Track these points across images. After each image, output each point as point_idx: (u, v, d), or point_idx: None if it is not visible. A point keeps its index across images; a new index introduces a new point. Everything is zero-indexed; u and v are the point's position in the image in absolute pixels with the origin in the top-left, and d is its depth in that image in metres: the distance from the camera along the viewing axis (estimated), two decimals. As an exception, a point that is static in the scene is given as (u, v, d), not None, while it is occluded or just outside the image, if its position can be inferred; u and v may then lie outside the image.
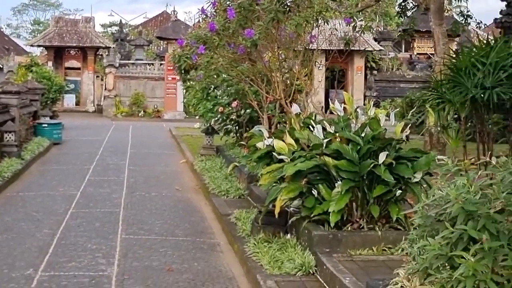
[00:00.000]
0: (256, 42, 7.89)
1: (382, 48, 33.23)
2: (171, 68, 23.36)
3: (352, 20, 8.26)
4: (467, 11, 16.11)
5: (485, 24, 17.97)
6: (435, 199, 4.27)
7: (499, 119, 9.89)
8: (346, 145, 7.23)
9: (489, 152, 4.86)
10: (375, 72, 33.81)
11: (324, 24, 8.45)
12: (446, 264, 4.22)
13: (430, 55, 31.82)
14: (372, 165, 7.00)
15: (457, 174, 4.42)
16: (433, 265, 4.23)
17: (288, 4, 8.31)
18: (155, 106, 35.54)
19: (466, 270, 3.96)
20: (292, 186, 7.31)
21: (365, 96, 32.03)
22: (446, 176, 4.50)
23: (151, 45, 48.10)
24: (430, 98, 9.42)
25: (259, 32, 8.01)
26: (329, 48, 10.45)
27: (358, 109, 7.73)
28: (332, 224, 7.09)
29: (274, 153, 7.75)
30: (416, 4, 15.26)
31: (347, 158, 7.12)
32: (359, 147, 7.21)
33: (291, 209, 7.89)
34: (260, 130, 8.72)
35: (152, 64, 38.82)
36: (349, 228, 7.25)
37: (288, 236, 7.83)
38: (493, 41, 9.44)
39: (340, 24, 8.87)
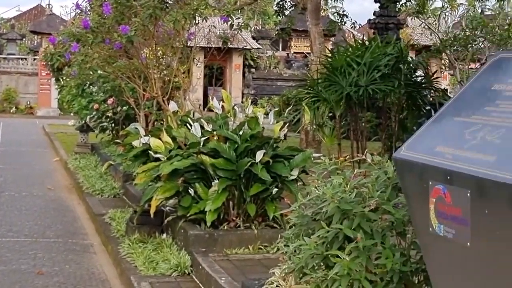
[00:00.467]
0: (132, 39, 7.69)
1: (260, 47, 33.53)
2: (45, 63, 22.65)
3: (229, 18, 8.21)
4: (343, 11, 16.46)
5: (359, 24, 18.41)
6: (311, 198, 4.24)
7: (372, 117, 10.14)
8: (223, 144, 7.16)
9: (366, 151, 4.89)
10: (253, 70, 34.07)
11: (203, 21, 8.37)
12: (322, 264, 4.21)
13: (307, 54, 32.36)
14: (250, 163, 6.96)
15: (334, 173, 4.42)
16: (309, 264, 4.21)
17: (166, 0, 8.17)
18: (28, 103, 34.40)
19: (341, 269, 3.95)
20: (169, 185, 7.17)
21: (243, 94, 32.21)
22: (322, 174, 4.48)
23: (24, 39, 46.52)
24: (307, 97, 9.53)
25: (135, 28, 7.83)
26: (207, 46, 10.36)
27: (236, 107, 7.67)
28: (208, 224, 7.01)
29: (150, 152, 7.58)
30: (294, 3, 15.43)
31: (225, 156, 7.05)
32: (236, 146, 7.15)
33: (167, 208, 7.75)
34: (136, 128, 8.53)
35: (25, 59, 37.55)
36: (226, 227, 7.19)
37: (164, 236, 7.69)
38: (368, 42, 9.66)
39: (219, 22, 8.80)
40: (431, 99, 10.26)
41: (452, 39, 19.35)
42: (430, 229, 3.32)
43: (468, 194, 3.00)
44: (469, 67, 20.92)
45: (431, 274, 3.53)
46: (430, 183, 3.27)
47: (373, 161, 4.46)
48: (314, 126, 10.35)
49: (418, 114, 10.09)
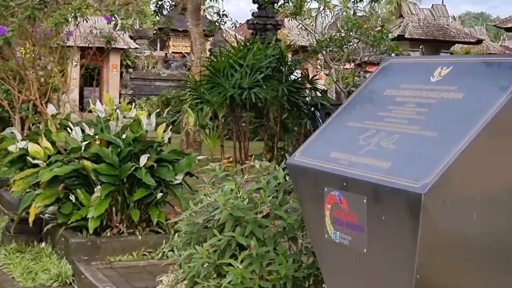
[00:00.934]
0: (10, 40, 7.33)
1: (138, 46, 33.06)
2: None
3: (113, 18, 7.97)
4: (223, 11, 16.45)
5: (240, 23, 18.41)
6: (203, 206, 4.14)
7: (251, 117, 10.16)
8: (106, 148, 6.93)
9: (253, 156, 4.83)
10: (131, 70, 33.55)
11: (83, 22, 8.08)
12: (214, 272, 4.13)
13: (185, 54, 32.20)
14: (133, 168, 6.78)
15: (225, 179, 4.34)
16: (201, 273, 4.11)
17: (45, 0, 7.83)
18: None
19: (235, 278, 3.88)
20: (48, 192, 6.87)
21: (120, 94, 31.65)
22: (212, 180, 4.39)
23: None
24: (189, 98, 9.43)
25: (12, 29, 7.46)
26: (85, 45, 10.06)
27: (118, 110, 7.45)
28: (91, 231, 6.77)
29: (28, 157, 7.24)
30: (174, 3, 15.26)
31: (107, 161, 6.83)
32: (119, 150, 6.94)
33: (47, 216, 7.42)
34: (12, 132, 8.14)
35: None
36: (109, 234, 6.98)
37: (43, 244, 7.37)
38: (249, 43, 9.66)
39: (100, 21, 8.54)
40: (311, 99, 10.39)
41: (328, 40, 19.73)
42: (326, 235, 3.30)
43: (365, 201, 2.99)
44: (344, 67, 21.43)
45: (326, 280, 3.51)
46: (326, 189, 3.25)
47: (261, 166, 4.41)
48: (196, 127, 10.26)
49: (299, 115, 10.19)
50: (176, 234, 4.77)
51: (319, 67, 20.81)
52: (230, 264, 3.93)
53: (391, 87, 3.42)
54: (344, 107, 3.59)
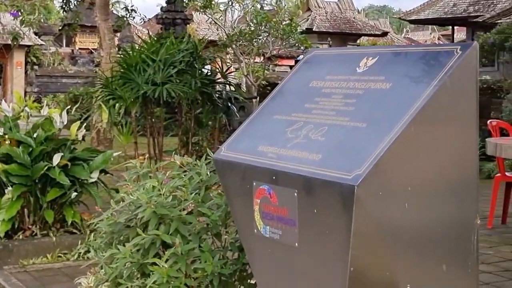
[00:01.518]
0: None
1: (43, 43, 32.17)
2: None
3: (20, 13, 7.66)
4: (131, 6, 16.17)
5: (149, 18, 18.15)
6: (125, 205, 4.01)
7: (161, 113, 10.00)
8: (16, 148, 6.66)
9: (173, 152, 4.73)
10: (36, 67, 32.61)
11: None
12: (138, 272, 4.00)
13: (93, 50, 31.57)
14: (46, 167, 6.55)
15: (146, 177, 4.21)
16: (124, 273, 3.97)
17: None
18: None
19: (160, 277, 3.77)
20: (-44, 197, 6.56)
21: (25, 92, 30.74)
22: (133, 178, 4.26)
23: None
24: (101, 95, 9.19)
25: None
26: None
27: (27, 108, 7.17)
28: (2, 234, 6.51)
29: None
30: (81, -2, 14.92)
31: (18, 161, 6.57)
32: (31, 149, 6.69)
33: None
34: None
35: None
36: (21, 237, 6.73)
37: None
38: (161, 38, 9.50)
39: (4, 17, 8.20)
40: (225, 93, 10.32)
41: (238, 34, 19.78)
42: (255, 230, 3.23)
43: (295, 194, 2.94)
44: (254, 61, 21.51)
45: (257, 276, 3.45)
46: (254, 183, 3.18)
47: (182, 162, 4.32)
48: (109, 124, 10.03)
49: (213, 109, 10.11)
50: (93, 234, 4.61)
51: (229, 61, 20.80)
52: (154, 264, 3.82)
53: (317, 78, 3.38)
54: (269, 100, 3.53)
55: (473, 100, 2.89)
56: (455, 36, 26.52)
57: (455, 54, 2.84)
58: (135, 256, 3.90)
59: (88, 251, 4.79)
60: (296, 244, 2.99)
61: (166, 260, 3.80)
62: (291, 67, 34.42)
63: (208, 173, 4.21)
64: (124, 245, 3.95)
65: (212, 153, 4.29)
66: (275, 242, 3.11)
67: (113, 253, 4.01)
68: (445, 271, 2.90)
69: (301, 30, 20.62)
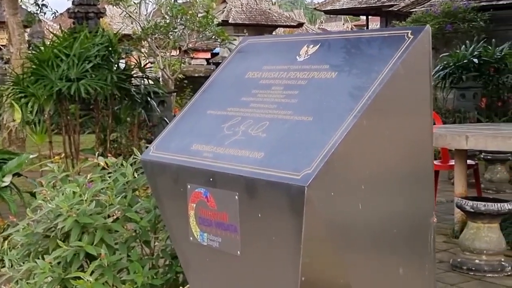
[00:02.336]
0: None
1: None
2: None
3: None
4: (42, 1, 15.51)
5: (60, 13, 17.47)
6: (43, 214, 3.63)
7: (75, 110, 9.54)
8: None
9: (97, 153, 4.37)
10: None
11: None
12: (59, 287, 3.63)
13: (1, 47, 30.40)
14: (-47, 173, 6.05)
15: (65, 181, 3.84)
16: (44, 289, 3.60)
17: None
18: None
19: (85, 292, 3.42)
20: None
21: None
22: (51, 183, 3.88)
23: None
24: (12, 93, 8.66)
25: None
26: None
27: None
28: None
29: None
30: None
31: None
32: None
33: None
34: None
35: None
36: None
37: None
38: (75, 32, 9.03)
39: None
40: (144, 88, 9.93)
41: (153, 27, 19.30)
42: (191, 238, 2.93)
43: (236, 197, 2.65)
44: (171, 54, 21.08)
45: (192, 286, 3.15)
46: (189, 186, 2.88)
47: (106, 164, 3.97)
48: (21, 124, 9.49)
49: (131, 105, 9.72)
50: (6, 243, 4.21)
51: (145, 55, 20.29)
52: (78, 277, 3.46)
53: (253, 69, 3.10)
54: (201, 93, 3.23)
55: (427, 88, 2.66)
56: (370, 26, 26.72)
57: (406, 38, 2.61)
58: (56, 270, 3.53)
59: (2, 265, 4.37)
60: (238, 252, 2.70)
61: (91, 273, 3.45)
62: (207, 60, 34.09)
63: (135, 174, 3.89)
64: (43, 258, 3.58)
65: (138, 152, 3.97)
66: (214, 250, 2.82)
67: (31, 267, 3.63)
68: (401, 274, 2.68)
69: (218, 22, 20.30)
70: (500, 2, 16.39)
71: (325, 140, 2.45)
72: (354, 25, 50.60)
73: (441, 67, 13.52)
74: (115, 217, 3.58)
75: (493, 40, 14.10)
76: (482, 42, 13.98)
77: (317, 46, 2.93)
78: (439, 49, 15.29)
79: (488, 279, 5.36)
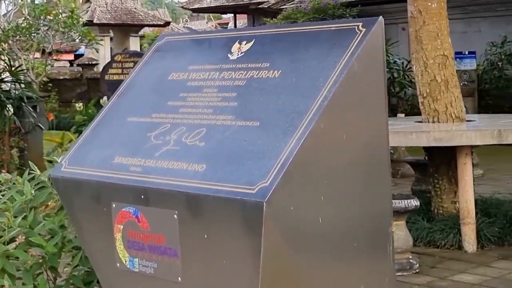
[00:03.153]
0: None
1: None
2: None
3: None
4: None
5: None
6: None
7: None
8: None
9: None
10: None
11: None
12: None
13: None
14: None
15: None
16: None
17: None
18: None
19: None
20: None
21: None
22: None
23: None
24: None
25: None
26: None
27: None
28: None
29: None
30: None
31: None
32: None
33: None
34: None
35: None
36: None
37: None
38: None
39: None
40: (14, 92, 9.29)
41: (15, 28, 18.32)
42: (118, 264, 2.57)
43: (175, 216, 2.32)
44: (35, 56, 20.13)
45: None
46: (114, 205, 2.52)
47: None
48: None
49: (1, 111, 9.08)
50: None
51: (6, 58, 19.25)
52: (-23, 314, 3.01)
53: (177, 70, 2.77)
54: (117, 99, 2.86)
55: (381, 84, 2.44)
56: (237, 24, 26.67)
57: (357, 32, 2.37)
58: (-50, 307, 3.06)
59: None
60: (179, 278, 2.37)
61: (-7, 308, 3.01)
62: (70, 61, 32.95)
63: (33, 192, 3.45)
64: None
65: (34, 166, 3.55)
66: (148, 277, 2.47)
67: None
68: (361, 289, 2.43)
69: (83, 23, 19.56)
70: (367, -3, 16.72)
71: (279, 147, 2.17)
72: (218, 24, 50.66)
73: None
74: (17, 242, 3.14)
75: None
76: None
77: (251, 43, 2.64)
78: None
79: (398, 278, 5.27)
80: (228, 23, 39.34)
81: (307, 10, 16.47)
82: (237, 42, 2.68)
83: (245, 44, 2.65)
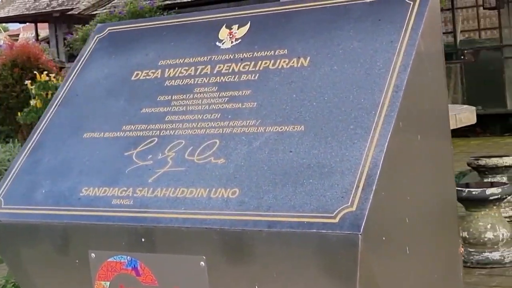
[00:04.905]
0: None
1: None
2: None
3: None
4: None
5: None
6: None
7: None
8: None
9: None
10: None
11: None
12: None
13: None
14: None
15: None
16: None
17: None
18: None
19: None
20: None
21: None
22: None
23: None
24: None
25: None
26: None
27: None
28: None
29: None
30: None
31: None
32: None
33: None
34: None
35: None
36: None
37: None
38: None
39: None
40: None
41: None
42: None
43: (203, 263, 1.67)
44: None
45: None
46: (92, 255, 1.82)
47: None
48: None
49: None
50: None
51: None
52: None
53: (142, 67, 2.09)
54: (56, 110, 2.13)
55: (442, 67, 1.93)
56: (38, 34, 25.15)
57: (408, 2, 1.84)
58: None
59: None
60: None
61: None
62: None
63: None
64: None
65: None
66: None
67: None
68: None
69: None
70: (184, 0, 16.29)
71: (350, 157, 1.60)
72: (9, 35, 48.04)
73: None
74: None
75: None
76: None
77: (246, 26, 2.04)
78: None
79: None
80: (19, 34, 37.26)
81: (123, 14, 15.70)
82: (223, 27, 2.07)
83: (237, 29, 2.04)
